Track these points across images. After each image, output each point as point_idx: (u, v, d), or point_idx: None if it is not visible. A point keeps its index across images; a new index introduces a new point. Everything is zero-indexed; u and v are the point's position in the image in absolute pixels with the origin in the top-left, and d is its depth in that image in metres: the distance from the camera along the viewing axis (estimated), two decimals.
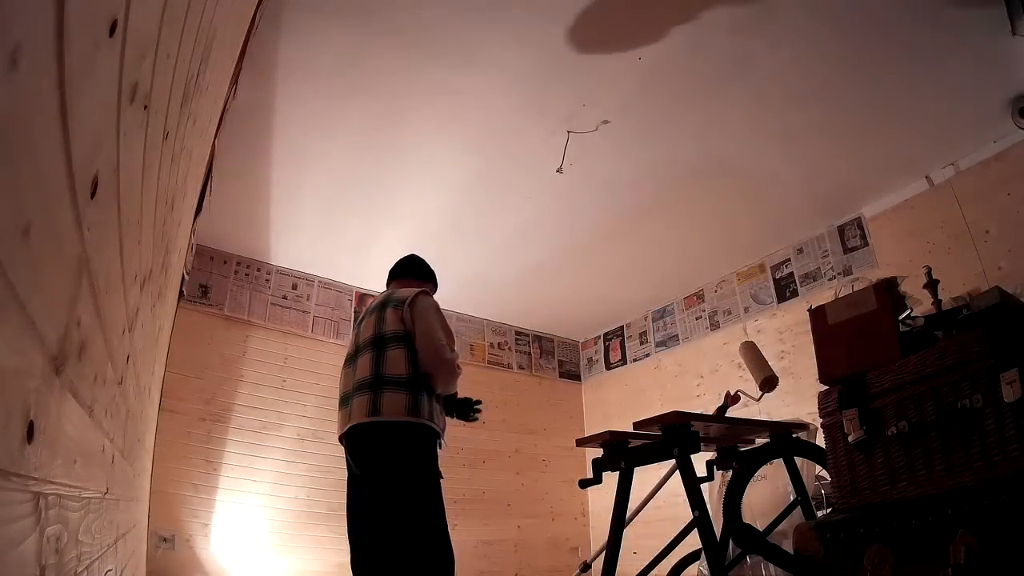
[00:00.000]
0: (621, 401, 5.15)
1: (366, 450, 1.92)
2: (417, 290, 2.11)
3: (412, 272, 2.38)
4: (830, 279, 3.79)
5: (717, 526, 2.13)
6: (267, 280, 4.18)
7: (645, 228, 3.90)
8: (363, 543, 1.90)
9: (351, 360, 2.09)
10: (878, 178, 3.44)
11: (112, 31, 0.47)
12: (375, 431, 1.88)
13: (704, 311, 4.61)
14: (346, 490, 2.05)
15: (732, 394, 2.49)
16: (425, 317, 2.01)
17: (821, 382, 1.83)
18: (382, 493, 1.84)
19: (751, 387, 2.62)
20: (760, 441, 2.35)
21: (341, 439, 2.02)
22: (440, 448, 2.00)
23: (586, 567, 2.63)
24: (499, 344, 5.27)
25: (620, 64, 2.58)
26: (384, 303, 2.10)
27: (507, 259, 4.22)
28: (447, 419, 2.15)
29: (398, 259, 2.46)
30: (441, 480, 1.92)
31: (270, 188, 3.38)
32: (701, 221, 3.84)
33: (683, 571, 2.41)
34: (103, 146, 0.53)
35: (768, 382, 2.46)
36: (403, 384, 1.91)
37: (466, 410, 2.24)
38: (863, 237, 3.69)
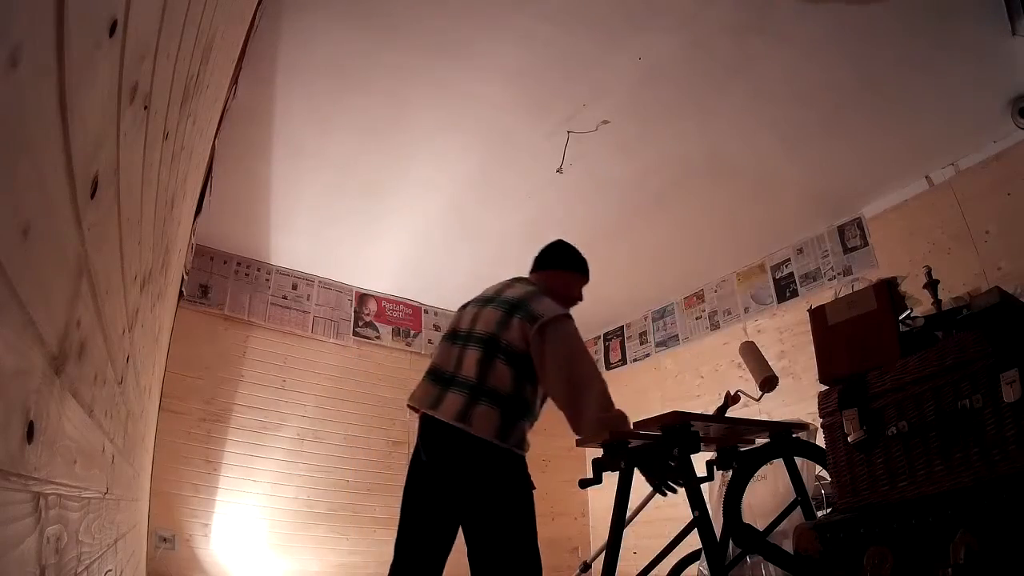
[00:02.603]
0: (621, 401, 5.09)
1: (446, 456, 1.74)
2: (555, 313, 1.76)
3: (548, 261, 2.08)
4: (830, 279, 3.78)
5: (717, 526, 2.13)
6: (267, 280, 4.18)
7: (645, 228, 3.90)
8: (418, 543, 1.75)
9: (460, 338, 1.84)
10: (878, 178, 3.44)
11: (112, 31, 0.47)
12: (459, 440, 1.69)
13: (704, 311, 4.61)
14: (406, 475, 1.84)
15: (732, 394, 2.48)
16: (558, 353, 1.72)
17: (821, 382, 1.83)
18: (469, 511, 1.71)
19: (751, 387, 2.62)
20: (760, 441, 2.35)
21: (414, 409, 1.84)
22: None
23: (586, 567, 2.63)
24: None
25: (620, 64, 2.58)
26: (516, 305, 1.80)
27: (507, 259, 4.20)
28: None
29: (545, 245, 2.14)
30: (533, 491, 1.78)
31: (270, 187, 3.38)
32: (701, 221, 3.83)
33: (683, 571, 2.41)
34: (103, 146, 0.53)
35: (768, 382, 2.46)
36: (500, 402, 1.71)
37: (661, 477, 1.93)
38: (863, 237, 3.69)
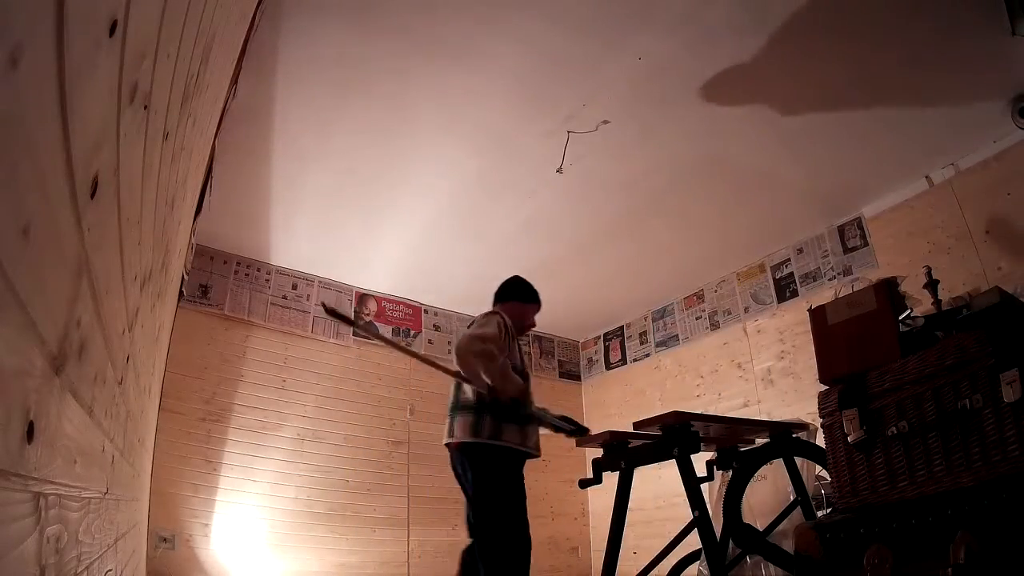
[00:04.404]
0: (621, 401, 5.15)
1: (453, 465, 2.26)
2: (482, 320, 2.30)
3: (500, 295, 2.59)
4: (830, 279, 3.78)
5: (717, 526, 2.13)
6: (267, 280, 4.18)
7: (645, 228, 3.89)
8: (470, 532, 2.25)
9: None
10: (878, 178, 3.44)
11: (112, 31, 0.47)
12: (454, 450, 2.23)
13: (704, 311, 4.61)
14: None
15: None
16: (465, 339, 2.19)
17: (821, 382, 1.83)
18: (470, 499, 2.21)
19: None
20: (760, 441, 2.35)
21: None
22: (532, 457, 2.28)
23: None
24: None
25: (620, 64, 2.58)
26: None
27: (507, 259, 4.21)
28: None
29: (504, 281, 2.65)
30: (513, 486, 2.18)
31: (270, 188, 3.38)
32: (701, 221, 3.83)
33: (683, 571, 2.41)
34: (103, 146, 0.53)
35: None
36: (469, 408, 2.20)
37: (570, 428, 2.46)
38: (863, 237, 3.69)
